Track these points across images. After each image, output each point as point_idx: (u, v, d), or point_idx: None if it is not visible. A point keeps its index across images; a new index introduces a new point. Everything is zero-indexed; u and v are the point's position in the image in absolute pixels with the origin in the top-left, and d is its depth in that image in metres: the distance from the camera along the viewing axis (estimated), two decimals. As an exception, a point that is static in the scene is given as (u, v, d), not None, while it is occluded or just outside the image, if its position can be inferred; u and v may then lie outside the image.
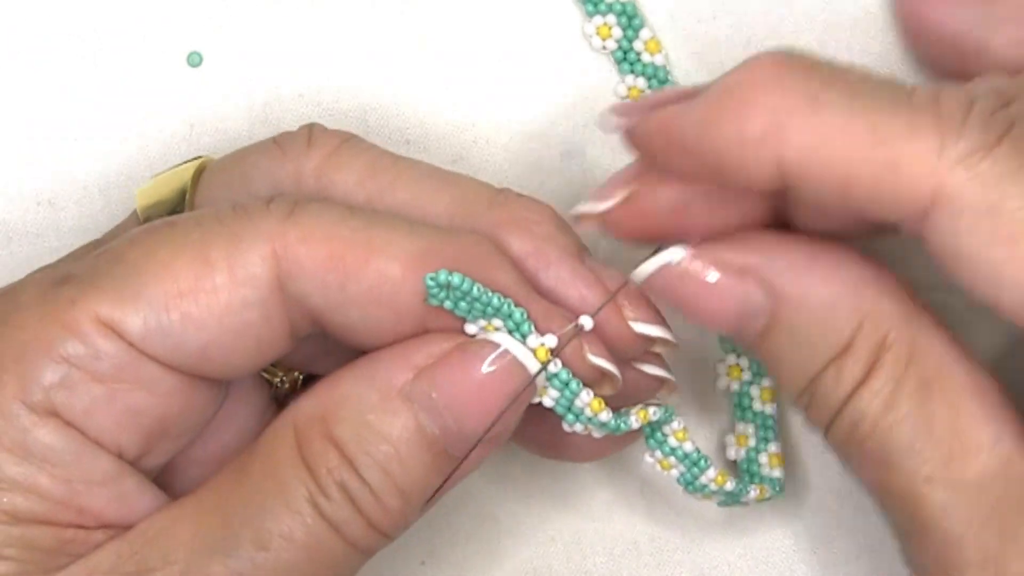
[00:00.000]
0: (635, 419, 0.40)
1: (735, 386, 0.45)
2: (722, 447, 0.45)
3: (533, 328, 0.38)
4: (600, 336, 0.39)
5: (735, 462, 0.45)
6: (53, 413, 0.37)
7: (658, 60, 0.45)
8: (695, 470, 0.41)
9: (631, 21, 0.45)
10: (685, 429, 0.41)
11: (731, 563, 0.45)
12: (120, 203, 0.46)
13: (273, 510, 0.37)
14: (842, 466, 0.39)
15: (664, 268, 0.39)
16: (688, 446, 0.41)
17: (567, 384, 0.38)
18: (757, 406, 0.45)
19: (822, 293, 0.38)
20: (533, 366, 0.38)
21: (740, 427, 0.45)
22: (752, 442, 0.44)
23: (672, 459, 0.41)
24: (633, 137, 0.39)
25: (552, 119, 0.46)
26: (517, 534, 0.46)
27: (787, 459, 0.45)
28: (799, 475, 0.46)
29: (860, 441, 0.38)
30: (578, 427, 0.39)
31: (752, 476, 0.44)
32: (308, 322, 0.38)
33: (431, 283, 0.37)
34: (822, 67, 0.37)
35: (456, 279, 0.37)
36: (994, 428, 0.37)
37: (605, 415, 0.39)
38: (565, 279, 0.39)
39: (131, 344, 0.37)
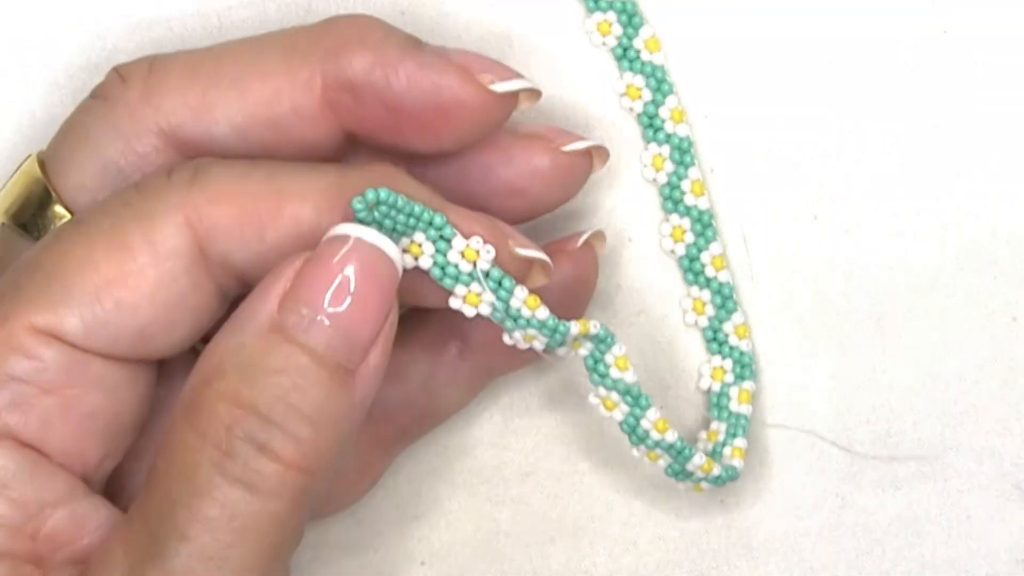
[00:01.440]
0: (575, 326, 0.40)
1: (716, 387, 0.45)
2: (694, 443, 0.46)
3: (456, 232, 0.38)
4: (465, 110, 0.39)
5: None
6: (8, 435, 0.37)
7: (657, 59, 0.45)
8: (636, 410, 0.41)
9: (631, 19, 0.45)
10: (627, 356, 0.41)
11: (731, 563, 0.45)
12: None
13: (180, 497, 0.35)
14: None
15: None
16: (629, 376, 0.41)
17: (500, 283, 0.38)
18: (734, 406, 0.45)
19: None
20: (384, 244, 0.37)
21: (714, 425, 0.45)
22: (721, 437, 0.45)
23: (614, 395, 0.41)
24: None
25: (550, 116, 0.46)
26: (517, 534, 0.46)
27: (786, 465, 0.45)
28: (796, 478, 0.46)
29: None
30: (518, 336, 0.39)
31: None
32: (235, 282, 0.38)
33: (359, 206, 0.37)
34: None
35: (383, 194, 0.37)
36: None
37: (542, 312, 0.39)
38: (414, 74, 0.39)
39: (73, 345, 0.37)
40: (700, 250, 0.46)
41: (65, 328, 0.37)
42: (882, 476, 0.45)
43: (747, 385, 0.45)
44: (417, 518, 0.46)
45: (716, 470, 0.43)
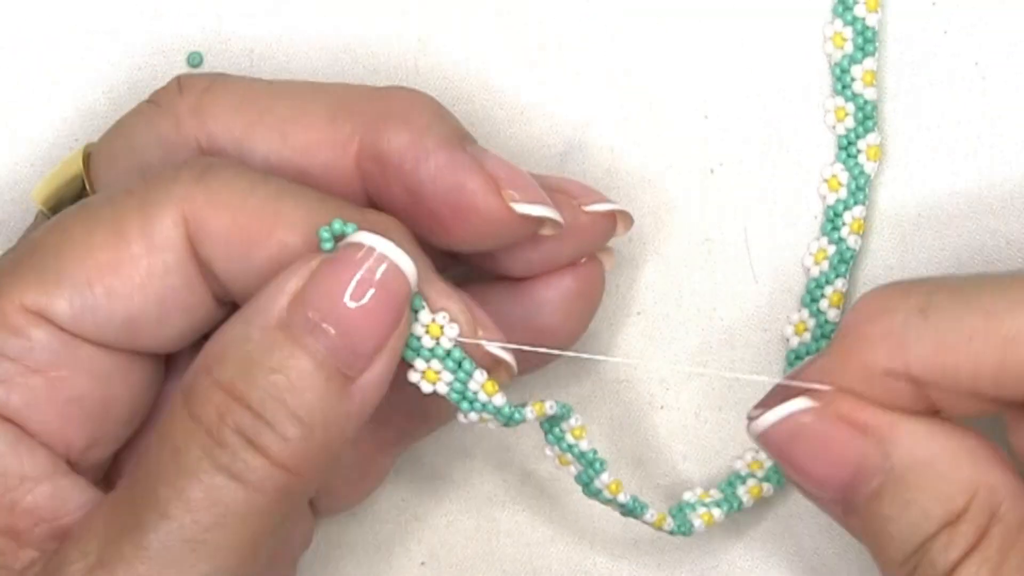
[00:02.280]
0: (530, 411, 0.39)
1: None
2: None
3: (425, 304, 0.37)
4: (479, 218, 0.39)
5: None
6: None
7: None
8: (591, 471, 0.41)
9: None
10: (583, 427, 0.40)
11: (731, 562, 0.45)
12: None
13: (166, 476, 0.36)
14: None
15: (782, 422, 0.38)
16: (584, 444, 0.41)
17: (460, 364, 0.38)
18: (741, 492, 0.44)
19: (941, 458, 0.37)
20: (399, 258, 0.36)
21: (713, 492, 0.44)
22: (709, 499, 0.44)
23: (569, 455, 0.41)
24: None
25: (551, 114, 0.46)
26: (517, 534, 0.46)
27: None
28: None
29: None
30: (472, 417, 0.39)
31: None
32: (223, 290, 0.38)
33: (325, 234, 0.37)
34: (924, 281, 0.38)
35: (350, 229, 0.37)
36: None
37: (499, 398, 0.38)
38: (443, 167, 0.39)
39: (61, 328, 0.37)
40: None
41: (54, 310, 0.37)
42: (882, 476, 0.45)
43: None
44: (417, 518, 0.46)
45: (668, 525, 0.42)
